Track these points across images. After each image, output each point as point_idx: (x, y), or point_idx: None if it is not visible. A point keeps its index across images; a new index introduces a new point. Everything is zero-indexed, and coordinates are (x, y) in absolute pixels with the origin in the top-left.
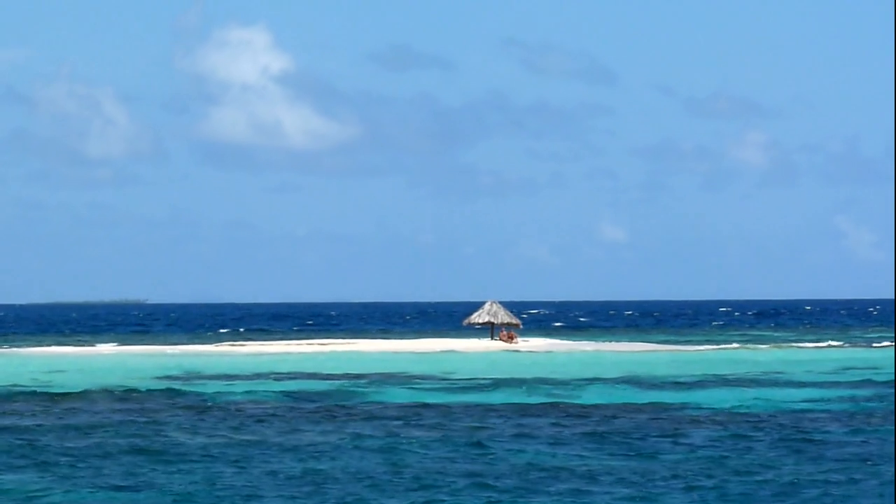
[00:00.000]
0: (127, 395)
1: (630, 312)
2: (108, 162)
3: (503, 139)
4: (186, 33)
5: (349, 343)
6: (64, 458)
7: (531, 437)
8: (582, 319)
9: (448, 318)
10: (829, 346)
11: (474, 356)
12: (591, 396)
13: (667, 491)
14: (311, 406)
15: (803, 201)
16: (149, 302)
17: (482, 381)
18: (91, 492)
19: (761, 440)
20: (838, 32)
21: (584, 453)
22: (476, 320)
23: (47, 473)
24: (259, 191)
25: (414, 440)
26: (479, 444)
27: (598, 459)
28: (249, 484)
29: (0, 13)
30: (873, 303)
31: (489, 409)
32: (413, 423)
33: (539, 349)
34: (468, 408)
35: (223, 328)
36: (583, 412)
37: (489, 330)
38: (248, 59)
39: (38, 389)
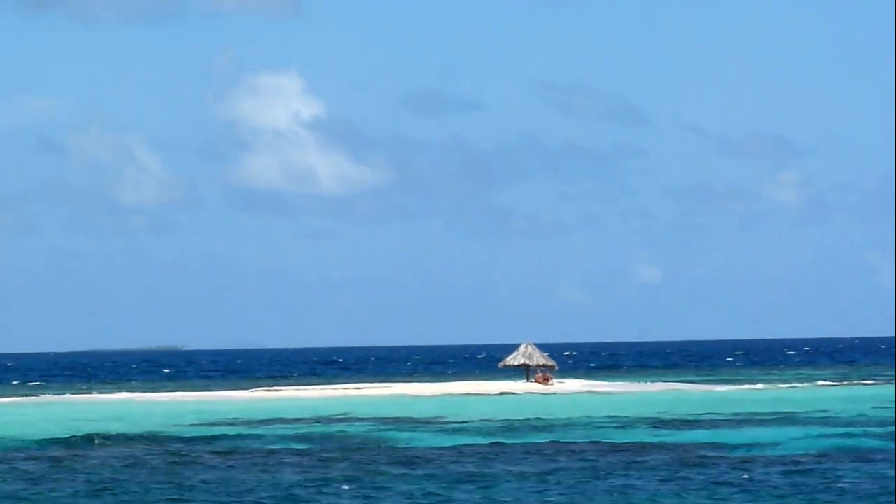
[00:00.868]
0: (164, 440)
1: (670, 351)
2: (143, 209)
3: (536, 181)
4: (218, 79)
5: (385, 387)
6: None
7: (561, 471)
8: (618, 361)
9: (484, 361)
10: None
11: (510, 399)
12: (622, 436)
13: None
14: (337, 450)
15: (836, 239)
16: (186, 348)
17: (513, 422)
18: None
19: (764, 479)
20: (869, 69)
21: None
22: (511, 362)
23: None
24: (293, 237)
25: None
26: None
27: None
28: None
29: (31, 62)
30: None
31: (528, 448)
32: (449, 464)
33: (574, 391)
34: (501, 446)
35: (259, 374)
36: (613, 449)
37: (525, 372)
38: (281, 104)
39: (79, 434)
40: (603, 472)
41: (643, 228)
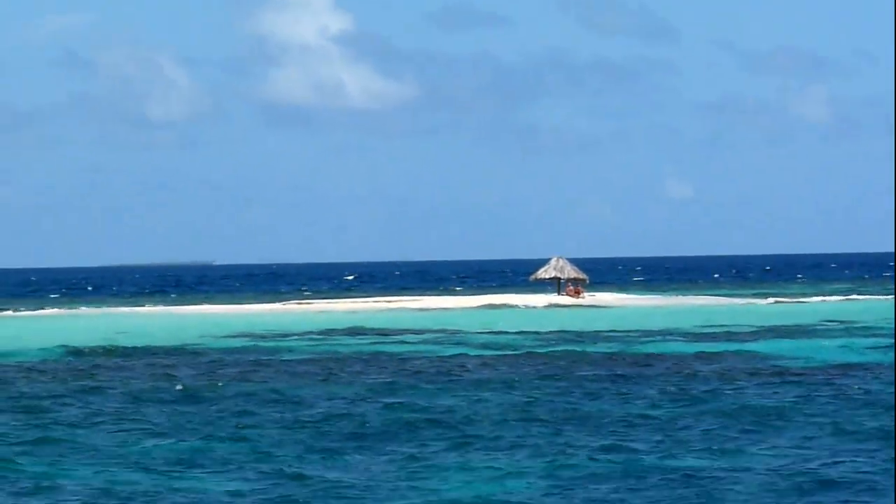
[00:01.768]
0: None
1: (716, 276)
2: (170, 125)
3: (564, 97)
4: None
5: (416, 300)
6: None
7: (582, 383)
8: (652, 276)
9: (511, 276)
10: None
11: (540, 311)
12: (653, 348)
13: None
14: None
15: (866, 155)
16: (216, 263)
17: (545, 334)
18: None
19: (792, 389)
20: None
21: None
22: (542, 276)
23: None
24: (320, 151)
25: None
26: (565, 392)
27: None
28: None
29: None
30: None
31: (553, 356)
32: (499, 369)
33: (606, 304)
34: (531, 356)
35: (290, 287)
36: (641, 361)
37: (556, 285)
38: (308, 19)
39: (120, 344)
40: (619, 383)
41: (672, 144)
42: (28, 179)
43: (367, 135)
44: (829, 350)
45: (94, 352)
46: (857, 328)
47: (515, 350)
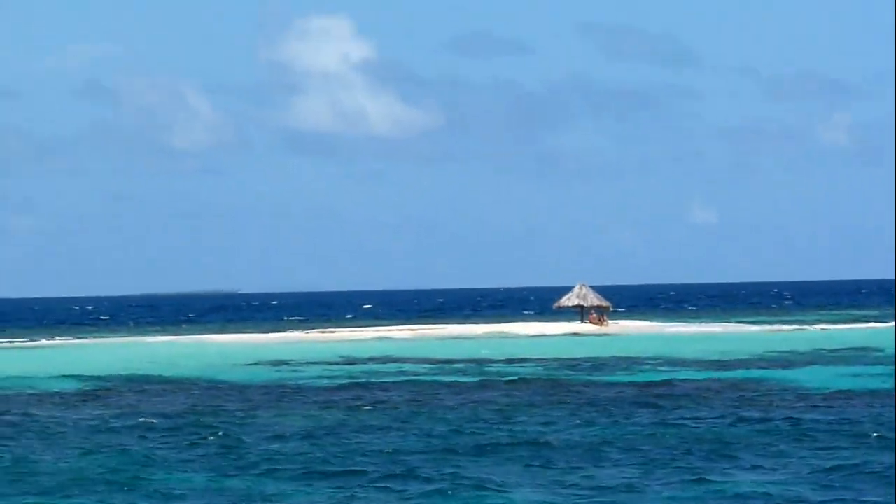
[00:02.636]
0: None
1: (722, 294)
2: (193, 153)
3: (586, 124)
4: (269, 23)
5: (440, 328)
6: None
7: (604, 410)
8: (675, 303)
9: (536, 304)
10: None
11: (564, 339)
12: (670, 375)
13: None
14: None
15: (889, 180)
16: (241, 292)
17: (572, 361)
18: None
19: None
20: None
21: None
22: (566, 304)
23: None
24: (344, 179)
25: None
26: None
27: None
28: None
29: (83, 8)
30: None
31: (587, 384)
32: (516, 392)
33: (629, 332)
34: (556, 383)
35: (308, 316)
36: (650, 390)
37: (579, 313)
38: (331, 47)
39: (137, 374)
40: (633, 410)
41: (697, 170)
42: (52, 208)
43: (390, 162)
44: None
45: (114, 378)
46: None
47: (532, 376)
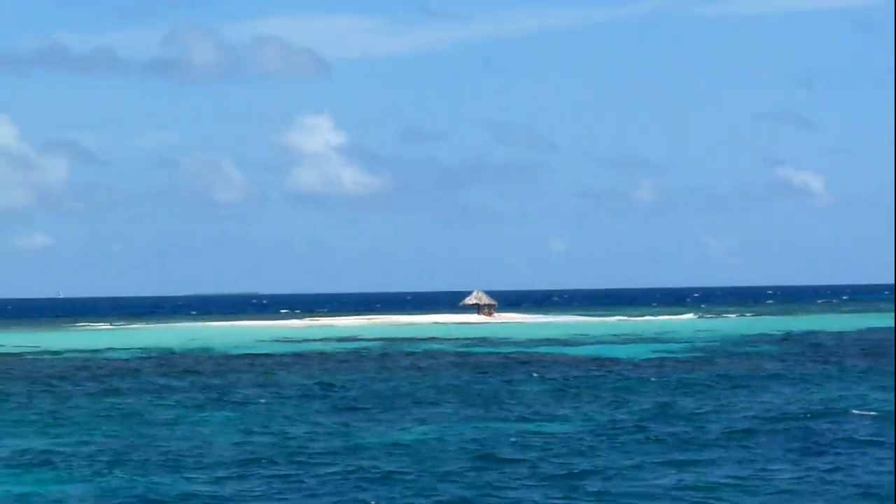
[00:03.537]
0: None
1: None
2: (229, 205)
3: (485, 186)
4: (277, 119)
5: (387, 317)
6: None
7: (475, 367)
8: (550, 302)
9: (449, 303)
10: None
11: (458, 329)
12: (528, 348)
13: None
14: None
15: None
16: (261, 292)
17: (470, 339)
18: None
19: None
20: (702, 96)
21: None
22: (467, 302)
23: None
24: (329, 223)
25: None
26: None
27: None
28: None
29: (154, 109)
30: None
31: (477, 354)
32: (437, 359)
33: (508, 321)
34: (462, 355)
35: (306, 309)
36: (516, 356)
37: (476, 309)
38: (318, 136)
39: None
40: (499, 369)
41: (554, 218)
42: (138, 242)
43: (359, 212)
44: (636, 351)
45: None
46: (665, 338)
47: (450, 348)
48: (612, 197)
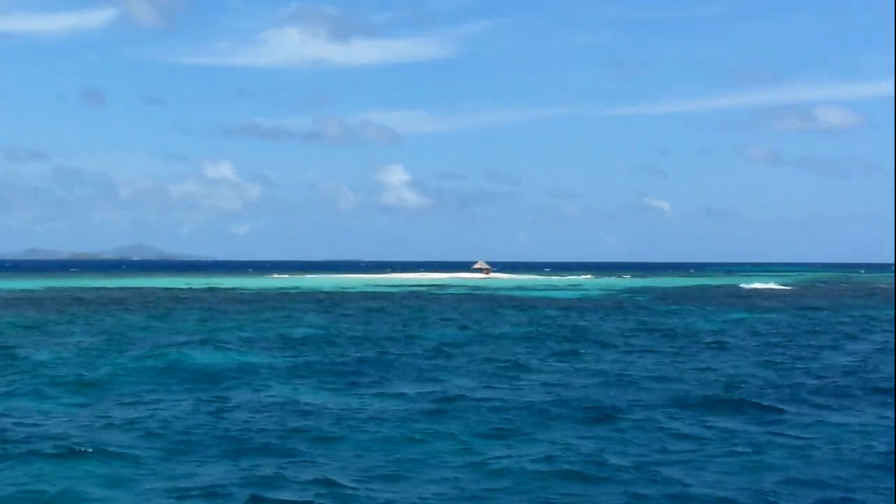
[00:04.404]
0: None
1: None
2: (348, 211)
3: (483, 204)
4: (375, 165)
5: (414, 274)
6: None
7: (464, 314)
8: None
9: (460, 266)
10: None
11: (469, 281)
12: (511, 292)
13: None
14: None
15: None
16: (363, 259)
17: (474, 285)
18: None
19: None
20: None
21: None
22: (474, 267)
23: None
24: (399, 222)
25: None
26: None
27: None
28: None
29: (308, 157)
30: None
31: (473, 296)
32: (433, 301)
33: (501, 279)
34: (463, 296)
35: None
36: (499, 299)
37: (480, 270)
38: (395, 175)
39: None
40: (492, 305)
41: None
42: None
43: (415, 217)
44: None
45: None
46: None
47: (456, 292)
48: (552, 210)
